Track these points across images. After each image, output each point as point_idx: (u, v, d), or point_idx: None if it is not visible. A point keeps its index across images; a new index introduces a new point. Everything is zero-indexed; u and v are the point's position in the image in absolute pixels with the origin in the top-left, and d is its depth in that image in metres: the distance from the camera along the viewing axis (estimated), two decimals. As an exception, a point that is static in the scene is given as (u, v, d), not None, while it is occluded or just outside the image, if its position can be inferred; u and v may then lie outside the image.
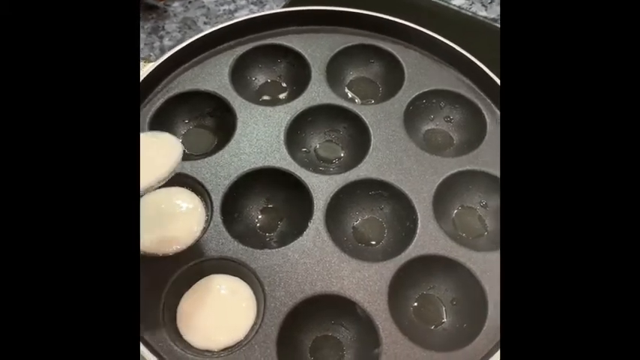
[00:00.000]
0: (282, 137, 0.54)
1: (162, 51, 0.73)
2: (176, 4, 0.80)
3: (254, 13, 0.72)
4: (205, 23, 0.78)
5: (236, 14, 0.79)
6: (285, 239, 0.49)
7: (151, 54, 0.74)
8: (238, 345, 0.44)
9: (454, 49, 0.58)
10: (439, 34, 0.60)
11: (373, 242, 0.52)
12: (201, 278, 0.47)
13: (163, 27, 0.77)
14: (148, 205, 0.49)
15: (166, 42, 0.75)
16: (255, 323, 0.45)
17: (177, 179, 0.51)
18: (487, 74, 0.56)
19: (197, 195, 0.51)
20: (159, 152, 0.43)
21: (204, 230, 0.48)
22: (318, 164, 0.56)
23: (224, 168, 0.52)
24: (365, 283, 0.46)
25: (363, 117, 0.55)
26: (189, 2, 0.80)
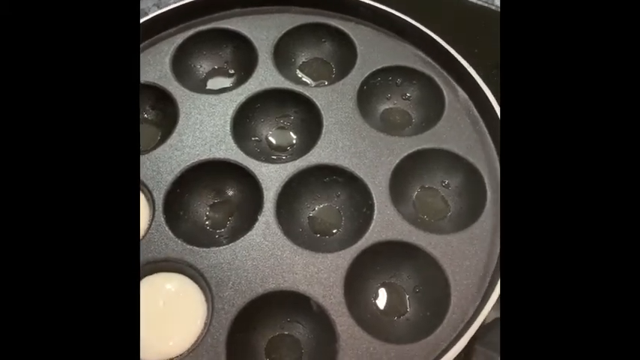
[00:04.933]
0: (228, 127, 0.51)
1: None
2: (124, -5, 0.76)
3: None
4: (157, 14, 0.74)
5: (188, 3, 0.75)
6: (236, 235, 0.46)
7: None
8: (185, 353, 0.41)
9: (407, 22, 0.55)
10: (394, 7, 0.56)
11: (334, 231, 0.49)
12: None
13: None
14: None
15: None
16: (203, 327, 0.42)
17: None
18: (443, 47, 0.53)
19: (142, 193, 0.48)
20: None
21: (146, 231, 0.45)
22: (270, 153, 0.53)
23: (166, 163, 0.48)
24: (319, 275, 0.43)
25: (315, 100, 0.52)
26: (139, -7, 0.76)
